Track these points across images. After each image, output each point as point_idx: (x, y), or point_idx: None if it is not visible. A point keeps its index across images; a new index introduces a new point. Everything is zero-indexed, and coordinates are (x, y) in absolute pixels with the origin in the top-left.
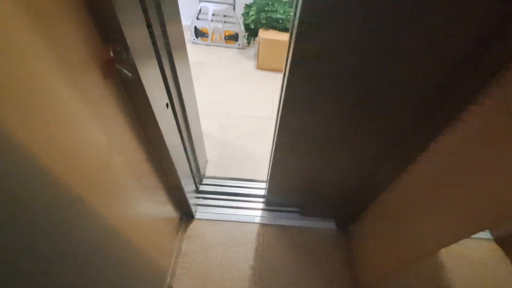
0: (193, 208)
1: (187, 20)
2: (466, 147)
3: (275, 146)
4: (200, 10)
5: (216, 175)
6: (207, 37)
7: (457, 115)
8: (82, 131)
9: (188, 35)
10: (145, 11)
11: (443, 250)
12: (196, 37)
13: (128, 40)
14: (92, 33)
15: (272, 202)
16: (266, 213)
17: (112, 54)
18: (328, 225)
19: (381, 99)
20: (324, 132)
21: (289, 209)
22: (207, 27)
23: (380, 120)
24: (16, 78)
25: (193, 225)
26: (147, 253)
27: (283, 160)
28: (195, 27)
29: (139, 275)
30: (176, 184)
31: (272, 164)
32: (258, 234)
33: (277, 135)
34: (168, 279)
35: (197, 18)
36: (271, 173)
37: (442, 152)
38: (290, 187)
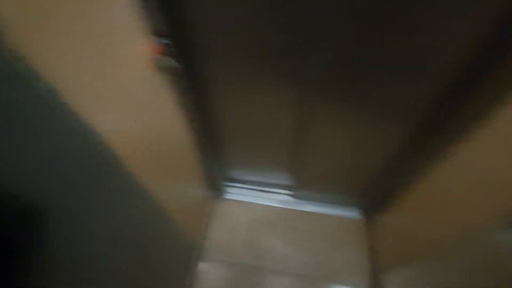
0: (222, 188)
1: None
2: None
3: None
4: None
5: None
6: None
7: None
8: (142, 114)
9: None
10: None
11: None
12: None
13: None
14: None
15: (297, 188)
16: (290, 198)
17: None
18: (353, 214)
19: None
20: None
21: (314, 195)
22: None
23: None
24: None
25: (221, 204)
26: (179, 227)
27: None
28: None
29: (171, 246)
30: (207, 165)
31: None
32: (282, 217)
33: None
34: (196, 253)
35: None
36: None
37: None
38: (316, 173)
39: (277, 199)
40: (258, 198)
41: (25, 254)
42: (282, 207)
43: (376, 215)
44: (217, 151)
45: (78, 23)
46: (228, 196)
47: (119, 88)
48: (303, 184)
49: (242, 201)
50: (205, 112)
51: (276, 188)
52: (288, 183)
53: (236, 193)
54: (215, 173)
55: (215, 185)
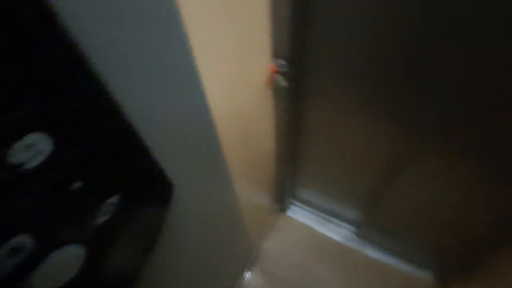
0: (288, 204)
1: None
2: None
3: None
4: None
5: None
6: None
7: None
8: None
9: None
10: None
11: None
12: None
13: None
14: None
15: (365, 229)
16: (354, 236)
17: (276, 67)
18: (424, 274)
19: None
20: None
21: (382, 241)
22: None
23: None
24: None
25: (284, 219)
26: (243, 227)
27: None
28: None
29: (232, 244)
30: (281, 179)
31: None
32: (341, 253)
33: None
34: (252, 257)
35: None
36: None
37: None
38: (392, 218)
39: (340, 232)
40: (321, 226)
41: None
42: (343, 242)
43: (453, 283)
44: (295, 167)
45: (225, 34)
46: (292, 214)
47: (238, 92)
48: (373, 225)
49: (304, 223)
50: (297, 129)
51: (342, 220)
52: (357, 220)
53: (300, 214)
54: (287, 188)
55: (282, 199)
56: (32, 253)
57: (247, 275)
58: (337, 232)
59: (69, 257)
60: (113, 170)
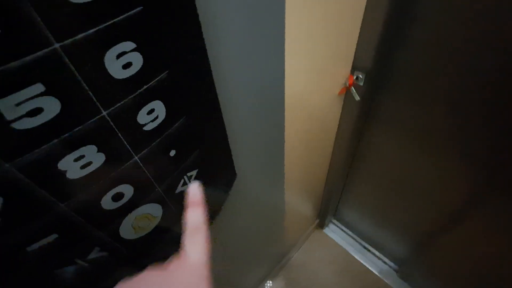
0: (328, 221)
1: None
2: None
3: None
4: None
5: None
6: None
7: None
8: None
9: None
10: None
11: None
12: None
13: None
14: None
15: (407, 269)
16: (394, 274)
17: (353, 79)
18: None
19: None
20: None
21: (425, 286)
22: None
23: None
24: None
25: (320, 236)
26: (281, 232)
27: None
28: None
29: (268, 245)
30: (329, 193)
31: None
32: (375, 287)
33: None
34: (281, 263)
35: None
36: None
37: None
38: (444, 266)
39: (379, 265)
40: (358, 253)
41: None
42: (380, 276)
43: None
44: (344, 184)
45: (316, 31)
46: (330, 233)
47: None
48: (418, 267)
49: (340, 245)
50: (357, 146)
51: (383, 253)
52: (401, 257)
53: (339, 235)
54: (331, 204)
55: (325, 214)
56: (130, 201)
57: (269, 283)
58: (375, 264)
59: (151, 212)
60: (198, 148)
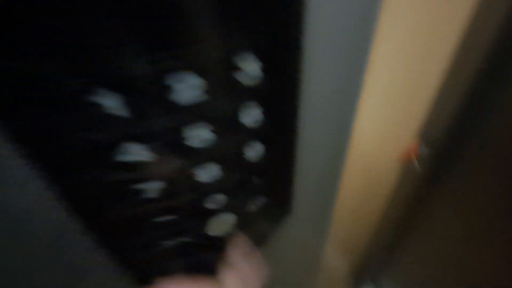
0: (364, 285)
1: None
2: None
3: None
4: None
5: None
6: None
7: None
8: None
9: None
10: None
11: None
12: None
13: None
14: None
15: None
16: None
17: (417, 149)
18: None
19: None
20: None
21: None
22: None
23: None
24: None
25: None
26: (314, 280)
27: None
28: None
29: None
30: (370, 255)
31: None
32: None
33: None
34: None
35: None
36: None
37: None
38: None
39: None
40: None
41: None
42: None
43: None
44: (391, 253)
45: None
46: None
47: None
48: None
49: None
50: (411, 216)
51: None
52: None
53: None
54: (372, 267)
55: (361, 276)
56: (220, 208)
57: None
58: None
59: (229, 220)
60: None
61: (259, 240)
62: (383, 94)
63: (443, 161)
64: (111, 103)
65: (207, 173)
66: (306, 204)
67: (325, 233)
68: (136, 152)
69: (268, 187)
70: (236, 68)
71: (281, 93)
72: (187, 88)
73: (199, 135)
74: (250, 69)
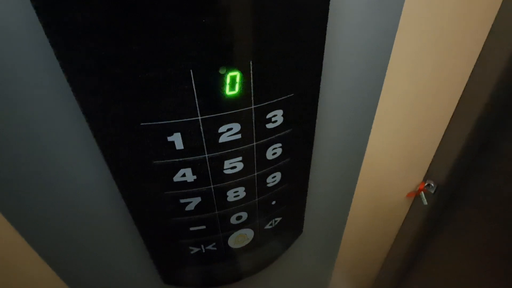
0: None
1: None
2: None
3: None
4: None
5: None
6: None
7: None
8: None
9: None
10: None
11: None
12: None
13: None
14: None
15: None
16: None
17: (424, 186)
18: None
19: None
20: None
21: None
22: None
23: None
24: None
25: None
26: None
27: None
28: None
29: None
30: None
31: None
32: None
33: None
34: None
35: None
36: None
37: None
38: None
39: None
40: None
41: None
42: None
43: None
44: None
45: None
46: None
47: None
48: None
49: None
50: (417, 254)
51: None
52: None
53: None
54: None
55: None
56: (239, 223)
57: None
58: None
59: (247, 234)
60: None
61: (271, 257)
62: (394, 132)
63: (448, 200)
64: (178, 140)
65: (235, 194)
66: (316, 226)
67: (333, 258)
68: (187, 175)
69: (283, 209)
70: (267, 120)
71: (298, 135)
72: (230, 132)
73: (233, 165)
74: (275, 118)
